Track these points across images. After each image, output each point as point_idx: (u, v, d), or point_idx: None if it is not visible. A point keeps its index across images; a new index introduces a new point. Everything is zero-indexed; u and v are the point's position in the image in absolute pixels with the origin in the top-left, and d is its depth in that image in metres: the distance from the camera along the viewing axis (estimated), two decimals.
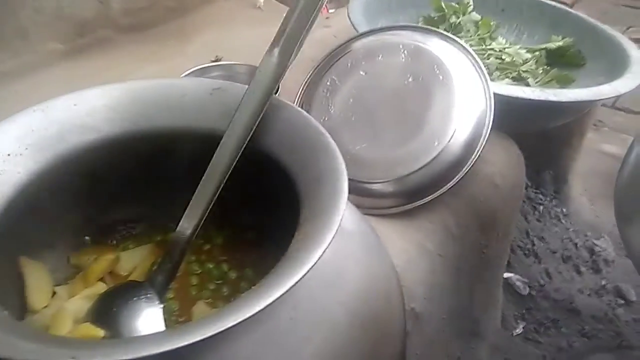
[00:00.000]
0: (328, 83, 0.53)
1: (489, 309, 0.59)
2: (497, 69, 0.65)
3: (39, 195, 0.33)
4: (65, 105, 0.34)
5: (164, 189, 0.40)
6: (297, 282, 0.23)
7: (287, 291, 0.22)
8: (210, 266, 0.42)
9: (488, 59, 0.66)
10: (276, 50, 0.34)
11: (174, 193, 0.38)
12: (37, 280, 0.37)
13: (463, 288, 0.52)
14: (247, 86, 0.35)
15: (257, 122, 0.33)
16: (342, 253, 0.31)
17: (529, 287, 0.77)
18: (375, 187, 0.48)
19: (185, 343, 0.20)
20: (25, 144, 0.32)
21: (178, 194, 0.36)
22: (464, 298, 0.52)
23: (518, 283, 0.76)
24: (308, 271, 0.23)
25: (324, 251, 0.24)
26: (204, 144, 0.35)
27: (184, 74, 0.58)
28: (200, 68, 0.59)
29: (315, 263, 0.24)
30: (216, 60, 0.75)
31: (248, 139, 0.33)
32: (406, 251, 0.45)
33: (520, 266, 0.78)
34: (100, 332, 0.32)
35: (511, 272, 0.77)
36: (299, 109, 0.34)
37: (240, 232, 0.43)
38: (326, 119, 0.51)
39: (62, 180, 0.35)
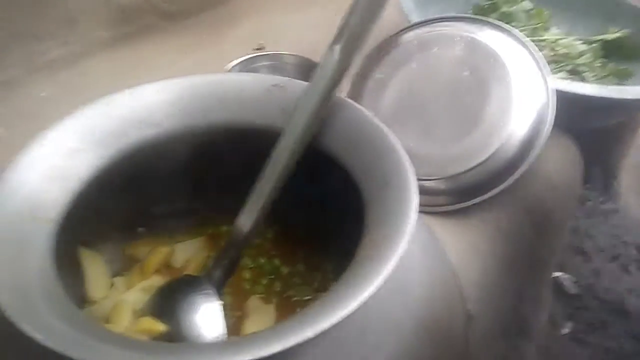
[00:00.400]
0: (379, 76, 0.52)
1: (538, 308, 0.58)
2: (551, 61, 0.63)
3: (99, 189, 0.34)
4: (126, 100, 0.34)
5: (218, 183, 0.40)
6: (372, 293, 0.22)
7: (362, 302, 0.22)
8: (263, 261, 0.43)
9: (541, 50, 0.63)
10: (338, 47, 0.33)
11: (227, 187, 0.38)
12: (96, 271, 0.38)
13: (513, 288, 0.51)
14: (306, 83, 0.34)
15: (318, 121, 0.33)
16: (405, 256, 0.30)
17: (578, 286, 0.75)
18: (426, 184, 0.47)
19: (266, 354, 0.20)
20: (89, 140, 0.32)
21: (231, 188, 0.36)
22: (513, 298, 0.51)
23: (566, 282, 0.74)
24: (383, 281, 0.23)
25: (397, 260, 0.24)
26: (260, 140, 0.35)
27: (231, 65, 0.58)
28: (247, 58, 0.59)
29: (389, 273, 0.23)
30: (259, 48, 0.74)
31: (308, 138, 0.33)
32: (459, 251, 0.44)
33: (568, 265, 0.76)
34: (161, 327, 0.32)
35: (560, 270, 0.75)
36: (364, 109, 0.33)
37: (289, 227, 0.43)
38: (376, 113, 0.50)
39: (122, 174, 0.35)
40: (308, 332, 0.21)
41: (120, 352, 0.20)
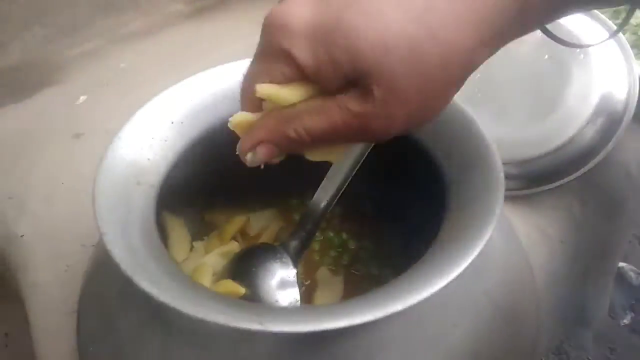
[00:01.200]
0: None
1: (599, 297, 0.57)
2: (633, 46, 0.60)
3: (189, 159, 0.36)
4: (219, 75, 0.36)
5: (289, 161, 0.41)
6: (459, 273, 0.23)
7: (450, 281, 0.23)
8: (331, 234, 0.44)
9: (623, 34, 0.61)
10: None
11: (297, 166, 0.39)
12: (178, 234, 0.41)
13: (577, 275, 0.50)
14: None
15: None
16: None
17: None
18: None
19: (361, 321, 0.21)
20: (186, 112, 0.34)
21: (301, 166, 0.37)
22: (576, 285, 0.51)
23: (630, 273, 0.72)
24: (471, 261, 0.24)
25: (485, 242, 0.24)
26: None
27: None
28: None
29: (477, 254, 0.24)
30: None
31: None
32: (527, 236, 0.44)
33: (633, 255, 0.74)
34: (241, 290, 0.34)
35: (624, 261, 0.73)
36: None
37: (357, 202, 0.44)
38: None
39: (208, 146, 0.37)
40: (398, 305, 0.22)
41: (228, 310, 0.22)
